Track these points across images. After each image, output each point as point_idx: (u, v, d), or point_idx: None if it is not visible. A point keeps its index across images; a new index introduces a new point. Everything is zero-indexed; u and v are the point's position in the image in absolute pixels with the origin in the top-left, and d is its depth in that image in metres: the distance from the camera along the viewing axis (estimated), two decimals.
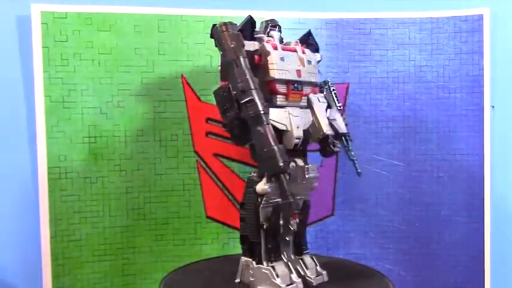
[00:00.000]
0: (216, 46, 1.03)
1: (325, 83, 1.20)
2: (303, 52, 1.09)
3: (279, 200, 1.04)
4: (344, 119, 1.18)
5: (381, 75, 1.48)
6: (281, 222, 1.06)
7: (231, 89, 0.98)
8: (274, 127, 1.02)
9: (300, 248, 1.12)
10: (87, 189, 1.37)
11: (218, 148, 1.43)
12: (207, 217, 1.44)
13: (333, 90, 1.19)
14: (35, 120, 1.33)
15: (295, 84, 1.06)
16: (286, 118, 1.05)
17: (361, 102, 1.47)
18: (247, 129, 0.97)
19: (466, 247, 1.46)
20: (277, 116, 1.03)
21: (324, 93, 1.18)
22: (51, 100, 1.34)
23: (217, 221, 1.45)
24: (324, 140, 1.12)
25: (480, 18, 1.44)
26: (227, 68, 0.99)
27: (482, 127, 1.45)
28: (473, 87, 1.46)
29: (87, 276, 1.37)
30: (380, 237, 1.49)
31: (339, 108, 1.18)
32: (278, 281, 1.03)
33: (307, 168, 1.09)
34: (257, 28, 1.10)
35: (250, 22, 1.06)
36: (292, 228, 1.09)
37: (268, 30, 1.10)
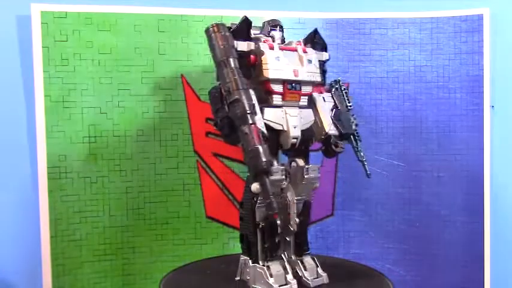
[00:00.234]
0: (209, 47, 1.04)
1: (336, 82, 1.19)
2: (304, 51, 1.09)
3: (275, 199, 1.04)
4: (354, 119, 1.16)
5: (380, 75, 1.48)
6: (278, 222, 1.06)
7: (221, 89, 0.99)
8: (270, 127, 1.03)
9: (300, 249, 1.12)
10: (87, 189, 1.37)
11: (218, 148, 1.43)
12: (207, 217, 1.44)
13: (344, 89, 1.18)
14: (35, 120, 1.33)
15: (293, 84, 1.06)
16: (283, 118, 1.04)
17: (361, 102, 1.46)
18: (236, 129, 0.97)
19: (466, 247, 1.46)
20: (273, 116, 1.04)
21: (333, 92, 1.16)
22: (51, 100, 1.34)
23: (217, 221, 1.44)
24: (326, 140, 1.11)
25: (480, 18, 1.44)
26: (217, 69, 1.00)
27: (482, 127, 1.45)
28: (473, 87, 1.45)
29: (87, 276, 1.37)
30: (380, 237, 1.49)
31: (349, 107, 1.17)
32: (271, 280, 1.03)
33: (307, 168, 1.08)
34: (258, 28, 1.11)
35: (245, 22, 1.06)
36: (292, 229, 1.09)
37: (269, 30, 1.10)
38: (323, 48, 1.16)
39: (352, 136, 1.17)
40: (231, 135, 0.99)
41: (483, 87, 1.45)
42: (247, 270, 1.07)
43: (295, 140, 1.05)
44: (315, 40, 1.14)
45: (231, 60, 0.99)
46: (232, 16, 1.30)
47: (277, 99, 1.05)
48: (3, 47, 1.36)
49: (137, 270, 1.40)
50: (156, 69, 1.40)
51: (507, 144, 1.49)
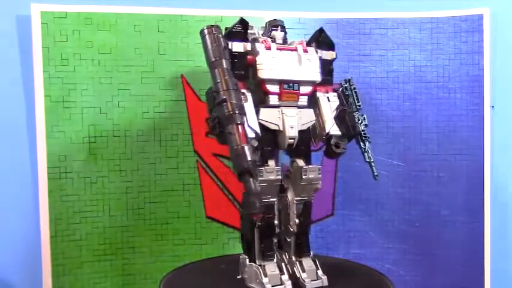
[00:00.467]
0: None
1: (346, 81, 1.17)
2: (305, 51, 1.08)
3: (272, 199, 1.05)
4: (364, 119, 1.15)
5: (380, 75, 1.48)
6: (276, 222, 1.06)
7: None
8: (267, 127, 1.03)
9: (300, 250, 1.11)
10: (87, 189, 1.37)
11: (218, 148, 1.42)
12: (207, 217, 1.44)
13: (354, 88, 1.17)
14: (35, 120, 1.33)
15: (290, 84, 1.05)
16: (279, 118, 1.04)
17: (361, 102, 1.46)
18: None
19: (466, 247, 1.46)
20: (269, 116, 1.04)
21: (340, 91, 1.15)
22: (51, 100, 1.34)
23: (217, 221, 1.44)
24: (328, 141, 1.10)
25: (480, 18, 1.44)
26: (209, 70, 1.00)
27: (482, 127, 1.45)
28: (473, 87, 1.45)
29: (87, 276, 1.37)
30: (380, 237, 1.49)
31: (358, 107, 1.16)
32: (265, 280, 1.03)
33: (305, 169, 1.07)
34: (262, 29, 1.11)
35: (241, 23, 1.06)
36: (291, 229, 1.09)
37: (270, 30, 1.10)
38: (330, 47, 1.14)
39: (359, 136, 1.15)
40: (221, 135, 0.99)
41: (483, 87, 1.45)
42: (245, 269, 1.08)
43: (292, 140, 1.05)
44: (320, 39, 1.13)
45: (221, 61, 0.99)
46: (232, 16, 1.30)
47: (273, 100, 1.05)
48: (3, 47, 1.36)
49: (137, 270, 1.40)
50: (156, 69, 1.40)
51: (507, 144, 1.49)
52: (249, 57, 1.04)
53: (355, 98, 1.16)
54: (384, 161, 1.47)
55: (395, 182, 1.48)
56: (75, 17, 1.35)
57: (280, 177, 1.05)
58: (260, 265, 1.05)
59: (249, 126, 0.99)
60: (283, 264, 1.08)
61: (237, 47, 1.04)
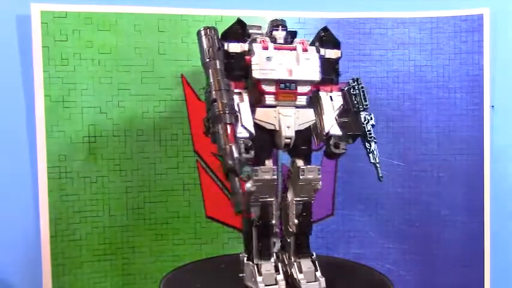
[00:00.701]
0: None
1: (354, 80, 1.16)
2: (304, 50, 1.06)
3: (270, 199, 1.05)
4: (371, 118, 1.13)
5: (380, 75, 1.48)
6: (273, 221, 1.06)
7: None
8: (263, 127, 1.03)
9: (299, 251, 1.10)
10: (87, 189, 1.37)
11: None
12: (207, 217, 1.44)
13: (362, 88, 1.15)
14: (35, 120, 1.33)
15: (286, 84, 1.05)
16: (275, 118, 1.04)
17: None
18: None
19: (466, 247, 1.46)
20: (265, 116, 1.03)
21: (345, 90, 1.13)
22: (51, 100, 1.34)
23: (217, 221, 1.44)
24: (327, 141, 1.09)
25: (480, 18, 1.44)
26: (204, 70, 1.01)
27: (482, 127, 1.45)
28: (473, 87, 1.46)
29: (87, 276, 1.37)
30: (380, 237, 1.49)
31: (365, 107, 1.14)
32: (259, 279, 1.03)
33: (303, 169, 1.06)
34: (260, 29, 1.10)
35: (238, 24, 1.06)
36: (290, 230, 1.08)
37: (271, 30, 1.09)
38: (335, 45, 1.13)
39: (364, 137, 1.13)
40: (212, 134, 0.99)
41: (483, 87, 1.45)
42: (244, 267, 1.08)
43: (288, 140, 1.04)
44: (324, 38, 1.12)
45: (214, 62, 1.00)
46: (232, 16, 1.29)
47: (269, 99, 1.04)
48: (3, 47, 1.36)
49: (137, 270, 1.40)
50: (156, 69, 1.40)
51: (507, 144, 1.49)
52: (246, 57, 1.04)
53: (362, 97, 1.14)
54: (384, 161, 1.47)
55: (395, 182, 1.48)
56: (75, 16, 1.35)
57: (275, 177, 1.04)
58: (256, 264, 1.05)
59: (242, 125, 0.99)
60: (279, 264, 1.08)
61: (234, 47, 1.04)
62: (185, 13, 1.41)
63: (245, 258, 1.08)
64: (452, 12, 1.46)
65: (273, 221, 1.07)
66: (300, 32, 1.19)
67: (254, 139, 1.01)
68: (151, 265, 1.41)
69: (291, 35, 1.10)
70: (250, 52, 1.04)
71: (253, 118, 1.02)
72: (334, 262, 1.29)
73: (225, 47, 1.04)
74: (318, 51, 1.08)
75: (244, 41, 1.06)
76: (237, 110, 1.00)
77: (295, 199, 1.07)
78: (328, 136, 1.07)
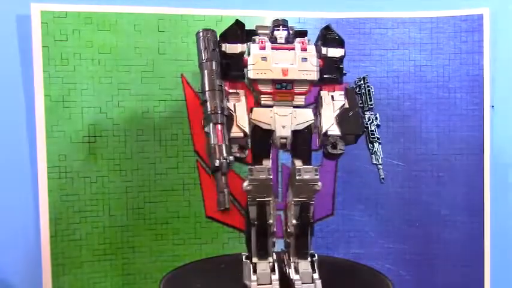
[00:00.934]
0: None
1: (360, 79, 1.14)
2: (303, 49, 1.06)
3: (267, 198, 1.05)
4: (376, 118, 1.12)
5: (380, 75, 1.47)
6: (270, 221, 1.06)
7: None
8: (260, 127, 1.03)
9: (297, 252, 1.10)
10: (87, 188, 1.37)
11: None
12: (207, 217, 1.44)
13: (368, 87, 1.13)
14: (35, 120, 1.33)
15: (282, 84, 1.04)
16: (271, 118, 1.04)
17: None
18: None
19: (466, 247, 1.46)
20: (261, 116, 1.04)
21: (349, 88, 1.12)
22: (51, 99, 1.34)
23: (217, 221, 1.44)
24: (325, 141, 1.09)
25: (480, 18, 1.44)
26: (199, 71, 1.02)
27: (482, 127, 1.45)
28: (473, 87, 1.46)
29: (87, 276, 1.37)
30: (380, 237, 1.49)
31: (370, 106, 1.12)
32: (253, 277, 1.03)
33: (299, 169, 1.05)
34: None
35: (237, 25, 1.06)
36: (289, 230, 1.08)
37: (272, 30, 1.09)
38: (338, 44, 1.11)
39: (367, 137, 1.11)
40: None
41: (483, 87, 1.45)
42: (243, 265, 1.08)
43: (284, 140, 1.04)
44: (327, 36, 1.11)
45: (209, 63, 1.01)
46: (232, 16, 1.29)
47: (266, 99, 1.04)
48: (3, 47, 1.36)
49: (137, 270, 1.40)
50: (156, 69, 1.40)
51: (507, 144, 1.49)
52: (244, 57, 1.05)
53: (367, 96, 1.13)
54: (384, 160, 1.47)
55: (395, 182, 1.48)
56: (75, 16, 1.35)
57: (271, 176, 1.04)
58: (254, 263, 1.05)
59: (237, 125, 1.00)
60: (276, 264, 1.08)
61: (232, 48, 1.05)
62: (185, 13, 1.41)
63: (244, 257, 1.08)
64: (452, 12, 1.46)
65: (271, 221, 1.06)
66: None
67: (252, 139, 1.01)
68: (151, 265, 1.41)
69: (300, 35, 1.09)
70: (248, 53, 1.05)
71: (251, 118, 1.03)
72: (334, 262, 1.30)
73: (223, 48, 1.04)
74: (319, 51, 1.07)
75: (243, 42, 1.06)
76: (232, 110, 1.02)
77: (294, 200, 1.07)
78: (326, 136, 1.06)
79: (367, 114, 1.12)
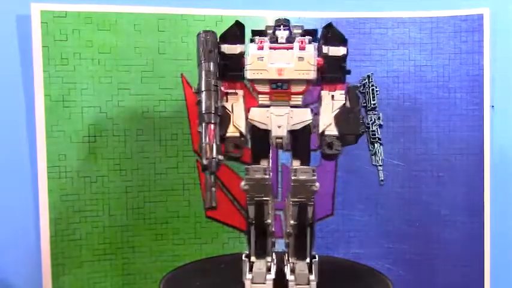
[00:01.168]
0: None
1: (364, 78, 1.13)
2: (302, 48, 1.03)
3: (265, 198, 1.05)
4: (378, 118, 1.11)
5: (380, 75, 1.47)
6: (269, 221, 1.06)
7: None
8: (257, 127, 1.03)
9: (295, 252, 1.09)
10: (86, 188, 1.37)
11: None
12: (207, 217, 1.44)
13: (372, 86, 1.12)
14: (35, 120, 1.33)
15: (277, 84, 1.03)
16: (268, 117, 1.04)
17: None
18: None
19: (466, 247, 1.46)
20: (258, 116, 1.03)
21: (351, 88, 1.08)
22: (51, 99, 1.34)
23: (217, 221, 1.44)
24: (322, 141, 1.07)
25: (480, 18, 1.44)
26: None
27: (482, 127, 1.45)
28: (473, 87, 1.45)
29: (87, 276, 1.37)
30: (380, 237, 1.49)
31: (373, 106, 1.11)
32: (248, 276, 1.03)
33: (295, 169, 1.04)
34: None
35: (236, 26, 1.06)
36: (287, 231, 1.08)
37: (273, 30, 1.09)
38: (341, 42, 1.08)
39: (368, 137, 1.11)
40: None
41: (483, 87, 1.45)
42: (242, 264, 1.08)
43: (280, 140, 1.04)
44: (329, 35, 1.08)
45: (206, 64, 1.01)
46: (232, 16, 1.30)
47: (263, 99, 1.04)
48: (3, 47, 1.36)
49: (137, 269, 1.40)
50: (156, 68, 1.40)
51: (507, 144, 1.49)
52: (242, 58, 1.05)
53: (371, 96, 1.11)
54: (384, 161, 1.47)
55: (395, 182, 1.48)
56: (75, 16, 1.35)
57: (267, 176, 1.04)
58: (252, 262, 1.06)
59: (233, 125, 1.02)
60: (274, 264, 1.08)
61: (231, 49, 1.05)
62: (185, 13, 1.41)
63: (243, 256, 1.08)
64: (452, 12, 1.46)
65: (269, 221, 1.06)
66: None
67: (252, 139, 1.02)
68: (151, 265, 1.41)
69: (309, 34, 1.08)
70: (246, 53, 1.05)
71: (248, 118, 1.03)
72: (334, 262, 1.29)
73: (223, 49, 1.04)
74: (320, 50, 1.07)
75: (242, 43, 1.06)
76: (230, 110, 1.03)
77: (292, 200, 1.06)
78: (324, 136, 1.05)
79: (370, 114, 1.11)
